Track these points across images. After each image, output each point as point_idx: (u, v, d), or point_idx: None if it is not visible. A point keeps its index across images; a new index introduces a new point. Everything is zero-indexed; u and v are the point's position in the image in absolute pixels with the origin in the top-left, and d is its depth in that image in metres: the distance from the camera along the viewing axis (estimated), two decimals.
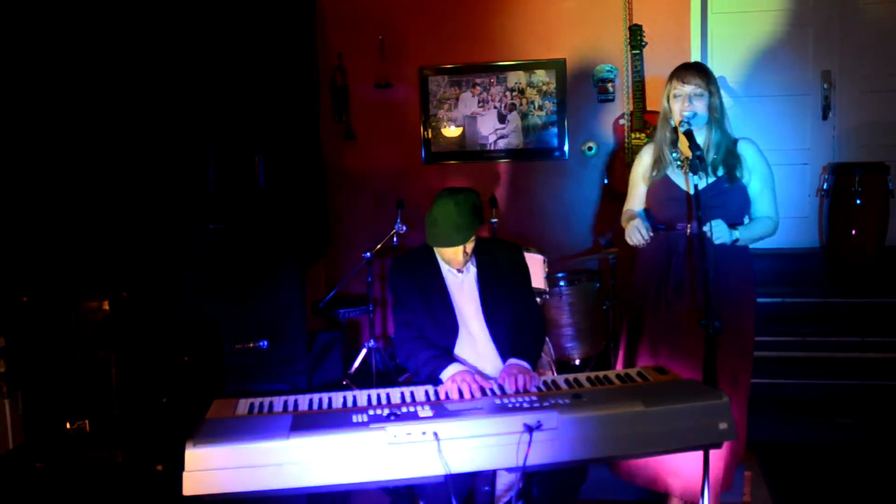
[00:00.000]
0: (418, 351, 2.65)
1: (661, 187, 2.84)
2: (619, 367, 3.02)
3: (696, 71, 2.74)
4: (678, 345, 2.76)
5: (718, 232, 2.66)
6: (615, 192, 4.81)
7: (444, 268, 2.75)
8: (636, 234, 2.78)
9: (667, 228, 2.82)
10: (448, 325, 2.70)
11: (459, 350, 2.72)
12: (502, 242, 2.92)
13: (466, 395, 2.40)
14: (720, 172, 2.75)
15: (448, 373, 2.53)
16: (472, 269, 2.75)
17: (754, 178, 2.77)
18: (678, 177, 2.81)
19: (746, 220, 2.81)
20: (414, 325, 2.73)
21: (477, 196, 2.67)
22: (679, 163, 2.80)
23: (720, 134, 2.75)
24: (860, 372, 4.11)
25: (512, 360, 2.57)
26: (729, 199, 2.73)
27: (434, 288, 2.72)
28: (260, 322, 4.16)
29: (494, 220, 4.45)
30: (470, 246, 2.65)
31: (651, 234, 2.80)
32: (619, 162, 4.79)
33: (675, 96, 2.74)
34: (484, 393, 2.42)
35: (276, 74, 4.70)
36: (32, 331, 3.49)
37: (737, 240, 2.71)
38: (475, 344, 2.73)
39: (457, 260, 2.65)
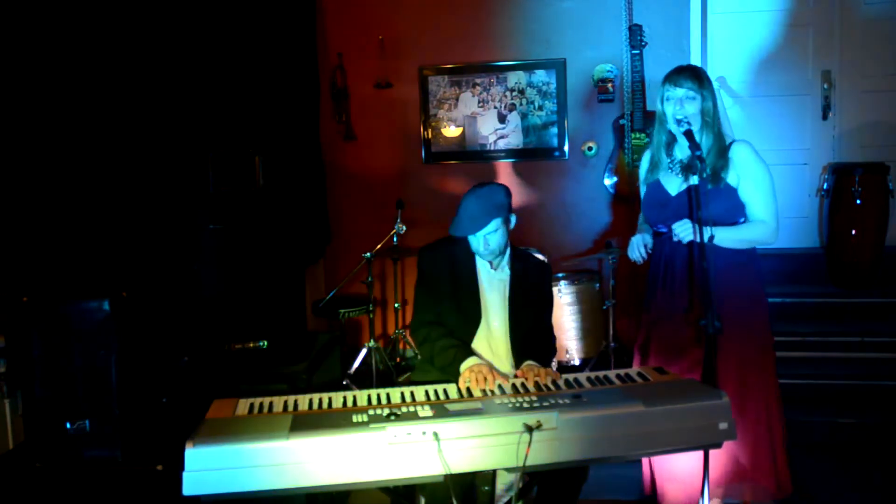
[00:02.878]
0: (438, 337, 2.68)
1: (652, 190, 2.85)
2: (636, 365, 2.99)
3: (689, 74, 2.72)
4: (681, 347, 2.76)
5: (682, 231, 2.65)
6: (620, 194, 4.85)
7: (480, 261, 2.78)
8: (634, 252, 2.81)
9: (664, 232, 2.82)
10: (471, 315, 2.72)
11: (476, 343, 2.74)
12: (535, 256, 2.96)
13: (482, 386, 2.42)
14: (705, 174, 2.69)
15: (467, 364, 2.54)
16: (507, 271, 2.78)
17: (745, 181, 2.71)
18: (668, 180, 2.81)
19: (741, 222, 2.77)
20: (433, 309, 2.74)
21: (502, 191, 2.69)
22: (670, 166, 2.80)
23: (712, 137, 2.71)
24: (860, 371, 4.11)
25: (529, 362, 2.60)
26: (710, 199, 2.65)
27: (466, 275, 2.75)
28: (260, 322, 4.15)
29: None
30: (493, 239, 2.65)
31: (648, 252, 2.81)
32: (621, 163, 4.80)
33: (667, 99, 2.74)
34: (502, 390, 2.42)
35: (276, 75, 4.70)
36: (32, 331, 3.48)
37: (711, 237, 2.56)
38: (492, 341, 2.76)
39: (480, 252, 2.68)
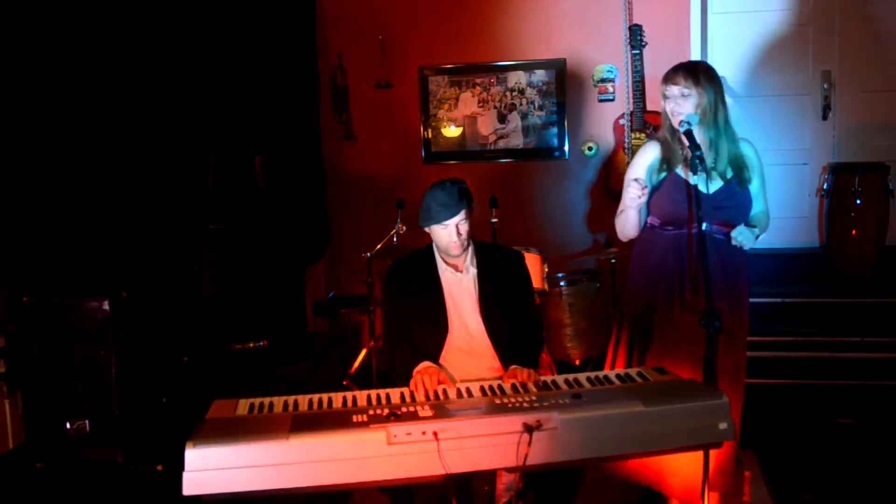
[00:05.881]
0: (397, 351, 2.71)
1: (669, 186, 2.78)
2: (615, 367, 3.01)
3: (684, 71, 2.69)
4: (693, 347, 2.74)
5: (744, 238, 2.66)
6: (613, 190, 4.82)
7: (442, 267, 2.78)
8: (632, 190, 2.67)
9: (675, 228, 2.78)
10: (438, 323, 2.72)
11: (455, 349, 2.73)
12: (503, 248, 2.96)
13: (419, 393, 2.42)
14: (729, 175, 2.72)
15: (417, 368, 2.56)
16: (473, 270, 2.77)
17: (755, 178, 2.79)
18: (694, 178, 2.77)
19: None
20: (400, 327, 2.76)
21: (463, 183, 2.72)
22: (701, 168, 2.78)
23: (715, 133, 2.70)
24: (860, 372, 4.11)
25: (514, 366, 2.58)
26: (740, 200, 2.73)
27: (429, 286, 2.75)
28: (260, 322, 4.16)
29: (494, 220, 4.44)
30: (463, 228, 2.66)
31: (644, 186, 2.68)
32: (618, 161, 4.79)
33: (665, 98, 2.73)
34: (502, 390, 2.40)
35: (276, 74, 4.70)
36: (32, 331, 3.49)
37: (757, 237, 2.70)
38: (472, 343, 2.74)
39: (453, 243, 2.66)
